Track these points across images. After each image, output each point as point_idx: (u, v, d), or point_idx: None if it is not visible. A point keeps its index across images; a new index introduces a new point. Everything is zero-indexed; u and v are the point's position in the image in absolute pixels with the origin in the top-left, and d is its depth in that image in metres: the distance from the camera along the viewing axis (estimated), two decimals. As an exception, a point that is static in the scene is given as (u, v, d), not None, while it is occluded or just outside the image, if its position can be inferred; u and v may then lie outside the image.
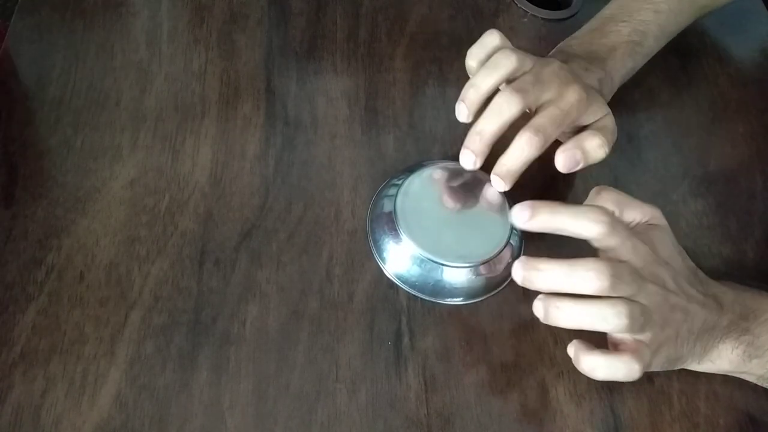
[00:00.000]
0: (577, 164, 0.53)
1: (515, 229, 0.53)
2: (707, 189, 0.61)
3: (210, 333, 0.49)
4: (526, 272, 0.45)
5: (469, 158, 0.52)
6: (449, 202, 0.53)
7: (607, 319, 0.44)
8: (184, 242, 0.52)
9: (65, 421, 0.45)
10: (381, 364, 0.49)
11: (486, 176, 0.53)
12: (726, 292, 0.49)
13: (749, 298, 0.50)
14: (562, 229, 0.46)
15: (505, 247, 0.52)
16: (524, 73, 0.53)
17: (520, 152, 0.51)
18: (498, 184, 0.52)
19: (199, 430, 0.45)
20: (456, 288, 0.52)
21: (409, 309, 0.52)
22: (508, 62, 0.52)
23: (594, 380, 0.49)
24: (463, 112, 0.53)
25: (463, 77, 0.62)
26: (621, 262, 0.46)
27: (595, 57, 0.59)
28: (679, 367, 0.50)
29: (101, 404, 0.45)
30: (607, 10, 0.63)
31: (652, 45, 0.62)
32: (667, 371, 0.50)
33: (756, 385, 0.51)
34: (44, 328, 0.48)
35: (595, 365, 0.46)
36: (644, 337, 0.46)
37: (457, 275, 0.51)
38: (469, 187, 0.54)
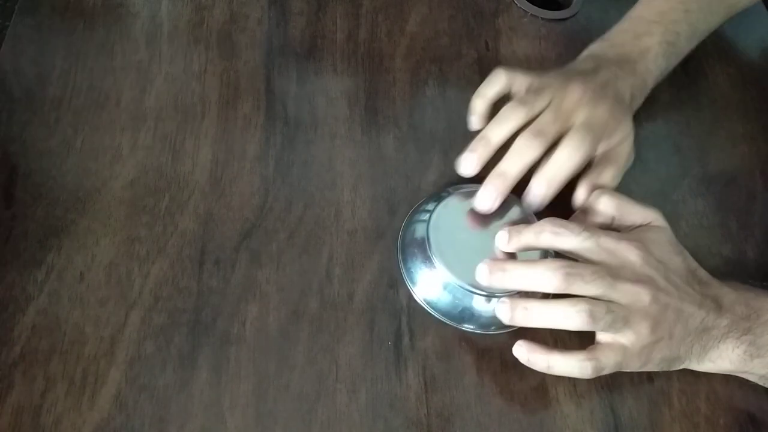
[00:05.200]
0: (593, 190, 0.54)
1: (549, 255, 0.52)
2: (707, 189, 0.61)
3: (210, 333, 0.49)
4: (493, 273, 0.48)
5: (489, 198, 0.52)
6: (482, 228, 0.53)
7: (569, 316, 0.46)
8: (184, 242, 0.52)
9: (65, 421, 0.45)
10: (381, 364, 0.49)
11: (518, 201, 0.54)
12: (727, 293, 0.49)
13: (752, 298, 0.50)
14: (526, 246, 0.50)
15: None
16: (544, 109, 0.53)
17: (545, 190, 0.52)
18: (540, 189, 0.53)
19: (199, 430, 0.45)
20: (486, 317, 0.51)
21: (409, 309, 0.52)
22: (518, 115, 0.52)
23: (594, 380, 0.49)
24: (470, 165, 0.53)
25: (463, 77, 0.62)
26: (589, 263, 0.48)
27: (626, 60, 0.58)
28: (678, 368, 0.50)
29: (101, 404, 0.45)
30: (636, 11, 0.62)
31: (684, 45, 0.62)
32: (667, 371, 0.50)
33: (756, 384, 0.51)
34: (44, 328, 0.48)
35: (552, 362, 0.48)
36: (626, 337, 0.47)
37: (488, 304, 0.50)
38: (501, 212, 0.53)
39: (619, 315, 0.46)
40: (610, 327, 0.46)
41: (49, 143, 0.55)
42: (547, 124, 0.52)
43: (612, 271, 0.47)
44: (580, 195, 0.54)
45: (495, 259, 0.49)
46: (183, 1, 0.65)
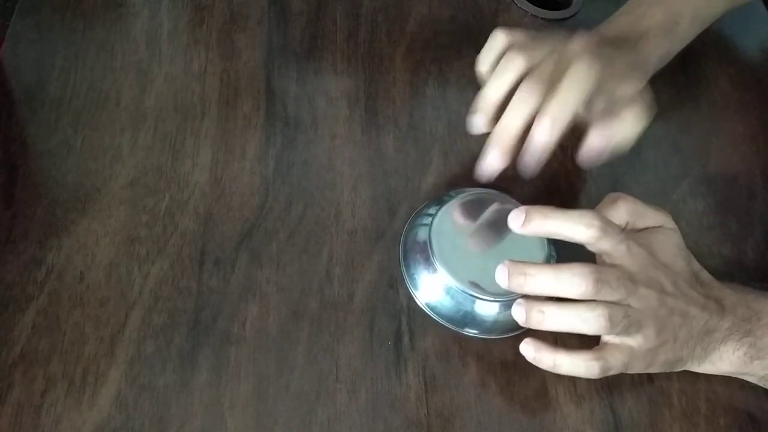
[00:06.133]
0: (608, 144, 0.52)
1: (551, 254, 0.52)
2: (707, 189, 0.61)
3: (210, 333, 0.49)
4: (514, 276, 0.47)
5: (496, 156, 0.51)
6: (484, 232, 0.52)
7: (587, 321, 0.46)
8: (184, 242, 0.52)
9: (65, 421, 0.45)
10: (381, 364, 0.49)
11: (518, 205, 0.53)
12: (729, 295, 0.49)
13: (753, 300, 0.50)
14: (555, 233, 0.47)
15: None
16: (542, 61, 0.51)
17: (548, 133, 0.50)
18: (529, 161, 0.51)
19: (199, 430, 0.45)
20: (488, 321, 0.51)
21: (409, 309, 0.52)
22: (516, 64, 0.51)
23: (594, 380, 0.49)
24: (477, 123, 0.52)
25: (463, 77, 0.62)
26: (611, 266, 0.47)
27: (625, 40, 0.57)
28: (679, 369, 0.50)
29: (101, 404, 0.45)
30: None
31: (687, 29, 0.61)
32: (667, 371, 0.50)
33: (756, 385, 0.51)
34: (44, 328, 0.48)
35: (558, 361, 0.47)
36: (634, 340, 0.47)
37: (490, 308, 0.50)
38: (504, 216, 0.52)
39: (634, 319, 0.46)
40: (626, 331, 0.46)
41: (49, 143, 0.55)
42: (548, 72, 0.50)
43: (632, 276, 0.46)
44: (593, 142, 0.52)
45: (515, 262, 0.47)
46: (183, 1, 0.65)
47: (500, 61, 0.52)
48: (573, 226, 0.46)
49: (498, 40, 0.54)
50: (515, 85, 0.51)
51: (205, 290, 0.50)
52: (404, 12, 0.68)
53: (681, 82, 0.67)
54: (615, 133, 0.53)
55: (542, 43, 0.53)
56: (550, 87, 0.50)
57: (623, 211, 0.50)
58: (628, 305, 0.46)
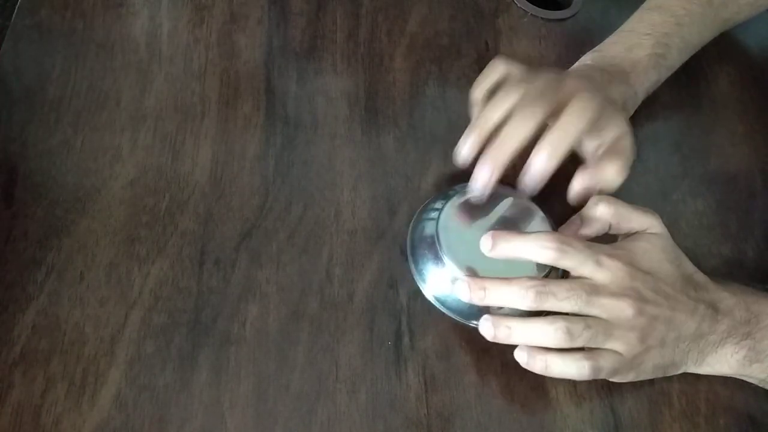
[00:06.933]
0: (592, 191, 0.53)
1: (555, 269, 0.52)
2: (707, 189, 0.61)
3: (210, 333, 0.49)
4: (473, 292, 0.48)
5: (486, 173, 0.51)
6: (490, 225, 0.52)
7: (547, 334, 0.46)
8: (184, 242, 0.52)
9: (65, 421, 0.45)
10: (381, 364, 0.49)
11: (524, 197, 0.53)
12: (726, 297, 0.49)
13: (752, 303, 0.49)
14: (518, 256, 0.48)
15: (548, 272, 0.51)
16: (541, 91, 0.52)
17: (547, 160, 0.50)
18: (528, 185, 0.51)
19: (199, 430, 0.46)
20: (495, 313, 0.50)
21: (409, 309, 0.52)
22: (515, 95, 0.51)
23: (594, 380, 0.49)
24: (467, 149, 0.52)
25: (463, 77, 0.62)
26: (572, 279, 0.48)
27: (618, 70, 0.58)
28: (676, 373, 0.50)
29: (101, 404, 0.45)
30: (628, 24, 0.62)
31: (676, 58, 0.62)
32: (667, 371, 0.51)
33: (756, 385, 0.51)
34: (44, 328, 0.48)
35: (549, 362, 0.47)
36: (613, 347, 0.47)
37: None
38: (509, 209, 0.53)
39: (598, 330, 0.46)
40: (591, 342, 0.46)
41: (49, 143, 0.55)
42: (548, 91, 0.51)
43: (591, 288, 0.47)
44: (576, 187, 0.53)
45: (474, 278, 0.49)
46: (183, 1, 0.65)
47: (499, 91, 0.52)
48: (530, 249, 0.48)
49: (498, 68, 0.55)
50: (507, 114, 0.51)
51: (205, 290, 0.50)
52: (404, 12, 0.68)
53: (681, 82, 0.67)
54: (599, 182, 0.53)
55: (538, 76, 0.53)
56: (548, 108, 0.50)
57: (605, 214, 0.50)
58: (592, 316, 0.46)
